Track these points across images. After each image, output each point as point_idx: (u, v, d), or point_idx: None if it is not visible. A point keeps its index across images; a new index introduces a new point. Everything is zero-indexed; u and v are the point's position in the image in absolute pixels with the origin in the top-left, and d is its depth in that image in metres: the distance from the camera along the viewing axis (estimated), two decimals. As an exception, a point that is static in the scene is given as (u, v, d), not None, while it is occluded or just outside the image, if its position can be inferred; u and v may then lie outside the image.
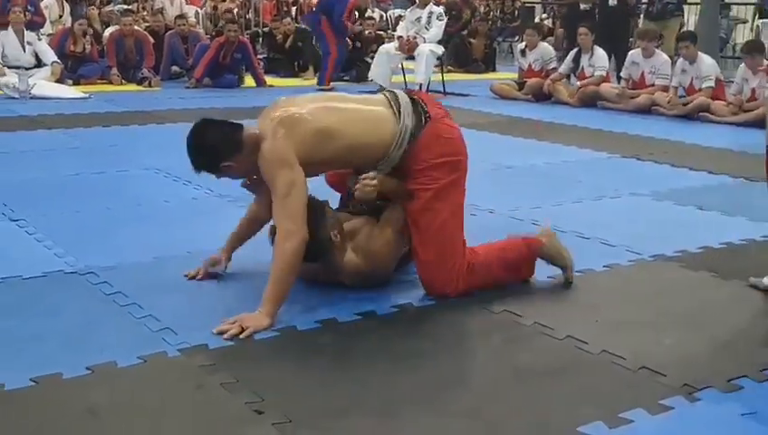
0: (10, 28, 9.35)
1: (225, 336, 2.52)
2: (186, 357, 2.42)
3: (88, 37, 10.33)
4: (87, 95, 8.77)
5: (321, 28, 10.09)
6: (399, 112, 2.90)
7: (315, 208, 2.78)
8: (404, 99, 2.96)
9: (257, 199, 3.10)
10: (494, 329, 2.70)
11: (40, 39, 9.57)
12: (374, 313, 2.80)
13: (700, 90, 7.99)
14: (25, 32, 9.38)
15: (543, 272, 3.21)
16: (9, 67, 9.11)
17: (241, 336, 2.53)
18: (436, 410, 2.15)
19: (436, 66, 9.76)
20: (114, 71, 10.07)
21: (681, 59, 8.24)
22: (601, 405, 2.18)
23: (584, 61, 9.01)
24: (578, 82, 9.03)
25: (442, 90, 9.79)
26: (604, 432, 2.05)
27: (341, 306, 2.82)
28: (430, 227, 2.88)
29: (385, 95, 3.01)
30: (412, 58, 9.56)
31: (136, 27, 10.55)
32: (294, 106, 2.88)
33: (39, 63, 9.44)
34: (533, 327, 2.70)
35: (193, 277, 3.07)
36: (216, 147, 2.82)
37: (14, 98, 8.47)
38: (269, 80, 10.60)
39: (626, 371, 2.39)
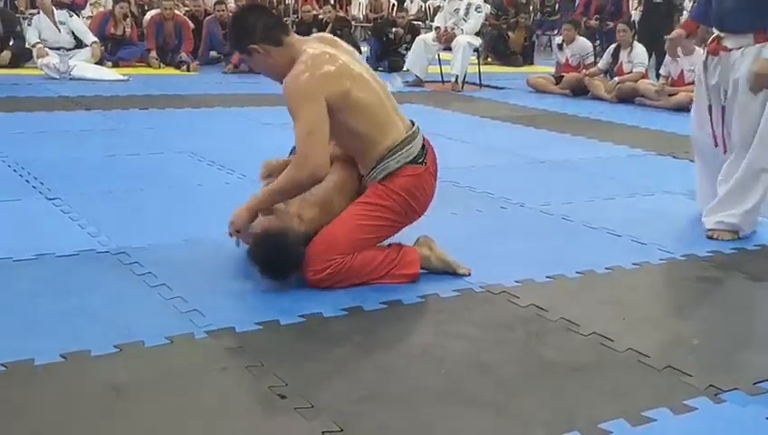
0: (41, 11, 9.47)
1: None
2: (212, 339, 2.45)
3: (128, 20, 10.44)
4: (126, 77, 8.87)
5: None
6: (407, 142, 2.97)
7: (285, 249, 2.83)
8: (420, 135, 3.05)
9: None
10: (519, 323, 2.69)
11: (71, 16, 9.64)
12: (400, 302, 2.81)
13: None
14: (55, 11, 9.48)
15: (570, 267, 3.20)
16: (51, 49, 9.23)
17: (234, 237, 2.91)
18: (458, 400, 2.16)
19: (472, 58, 9.73)
20: (153, 54, 10.18)
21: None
22: (625, 403, 2.17)
23: (623, 56, 8.92)
24: (616, 78, 8.95)
25: (478, 82, 9.75)
26: (626, 430, 2.04)
27: (368, 295, 2.83)
28: (348, 222, 2.90)
29: (413, 123, 3.10)
30: (449, 49, 9.53)
31: (176, 12, 10.64)
32: (345, 59, 2.92)
33: (79, 44, 9.56)
34: (559, 322, 2.69)
35: None
36: (251, 27, 2.88)
37: (54, 78, 8.59)
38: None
39: (651, 369, 2.38)
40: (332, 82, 2.81)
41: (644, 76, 8.83)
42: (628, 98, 8.65)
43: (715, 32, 3.75)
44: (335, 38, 3.13)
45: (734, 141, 3.69)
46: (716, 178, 3.80)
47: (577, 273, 3.17)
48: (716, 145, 3.79)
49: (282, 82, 2.88)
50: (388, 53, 11.15)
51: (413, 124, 3.08)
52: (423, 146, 3.04)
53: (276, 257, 2.82)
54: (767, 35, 3.53)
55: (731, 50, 3.63)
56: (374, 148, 2.93)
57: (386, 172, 2.93)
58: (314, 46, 2.91)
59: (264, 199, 2.91)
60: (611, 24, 10.60)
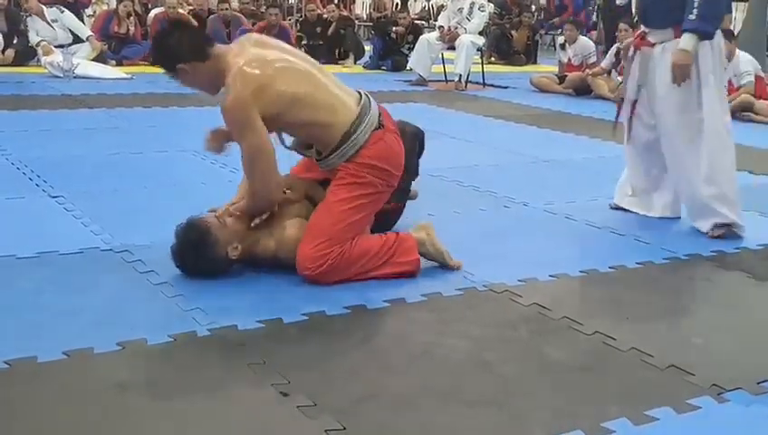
0: (32, 13, 9.47)
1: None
2: (215, 337, 2.45)
3: (132, 19, 10.44)
4: (129, 76, 8.87)
5: None
6: (364, 112, 2.95)
7: (201, 239, 2.86)
8: (374, 106, 3.01)
9: None
10: (522, 321, 2.69)
11: (63, 12, 9.62)
12: (403, 300, 2.81)
13: (739, 87, 7.86)
14: (45, 10, 9.48)
15: (574, 267, 3.20)
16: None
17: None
18: (460, 399, 2.16)
19: (476, 57, 9.72)
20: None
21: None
22: (627, 402, 2.17)
23: (627, 56, 8.91)
24: (619, 78, 8.93)
25: (481, 81, 9.75)
26: (629, 429, 2.04)
27: (370, 293, 2.83)
28: (333, 210, 2.91)
29: (360, 93, 3.04)
30: (453, 48, 9.53)
31: (180, 10, 10.65)
32: (272, 57, 2.88)
33: (77, 39, 9.55)
34: (562, 321, 2.69)
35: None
36: (176, 47, 2.86)
37: (58, 77, 8.60)
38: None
39: (654, 369, 2.37)
40: (262, 96, 2.77)
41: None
42: (631, 97, 8.64)
43: (643, 29, 3.84)
44: (261, 37, 3.12)
45: (664, 133, 3.78)
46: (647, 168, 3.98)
47: (580, 272, 3.17)
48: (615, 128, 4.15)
49: (213, 93, 2.96)
50: (390, 52, 11.16)
51: (361, 94, 3.04)
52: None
53: (193, 248, 2.87)
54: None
55: (653, 45, 3.71)
56: (331, 129, 2.90)
57: (357, 146, 2.91)
58: (240, 53, 2.86)
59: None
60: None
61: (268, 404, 2.08)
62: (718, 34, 3.66)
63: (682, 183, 3.79)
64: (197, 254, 2.86)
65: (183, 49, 2.85)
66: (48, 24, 9.43)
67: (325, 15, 11.79)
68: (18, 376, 2.17)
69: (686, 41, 3.54)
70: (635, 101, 3.89)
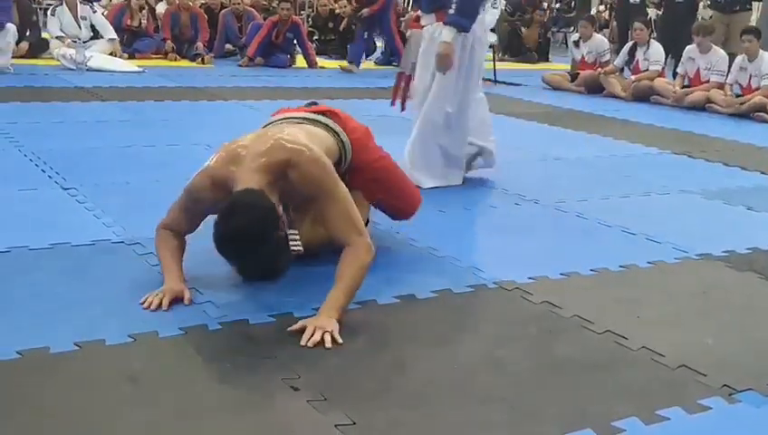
0: (65, 4, 9.50)
1: (310, 344, 2.34)
2: (226, 331, 2.45)
3: (144, 12, 10.47)
4: (141, 69, 8.89)
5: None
6: (337, 133, 3.01)
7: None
8: (329, 120, 3.05)
9: (185, 229, 2.88)
10: (532, 319, 2.69)
11: (95, 12, 9.68)
12: (413, 296, 2.81)
13: (758, 88, 7.82)
14: (79, 6, 9.51)
15: (585, 265, 3.19)
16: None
17: (338, 340, 2.37)
18: (470, 396, 2.16)
19: (487, 54, 9.70)
20: (169, 42, 10.21)
21: (740, 56, 8.07)
22: (638, 401, 2.16)
23: (639, 54, 8.88)
24: (632, 76, 8.91)
25: (493, 78, 9.72)
26: (640, 428, 2.03)
27: (381, 289, 2.83)
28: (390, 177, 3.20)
29: (321, 121, 3.03)
30: (464, 45, 9.51)
31: (191, 3, 10.67)
32: (292, 138, 2.74)
33: (95, 35, 9.58)
34: (573, 320, 2.69)
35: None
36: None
37: (70, 69, 8.63)
38: (319, 61, 10.64)
39: (665, 368, 2.37)
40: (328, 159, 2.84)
41: (660, 75, 8.79)
42: (643, 96, 8.62)
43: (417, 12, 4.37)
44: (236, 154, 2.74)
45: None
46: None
47: (591, 271, 3.16)
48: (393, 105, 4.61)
49: None
50: (400, 50, 11.14)
51: (327, 120, 3.05)
52: (323, 112, 3.12)
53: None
54: (444, 14, 4.01)
55: (423, 27, 4.18)
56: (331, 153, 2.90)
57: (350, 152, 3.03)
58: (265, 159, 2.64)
59: (345, 304, 2.53)
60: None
61: (279, 399, 2.09)
62: (480, 30, 4.13)
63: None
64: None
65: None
66: (76, 19, 9.46)
67: (337, 11, 11.79)
68: (30, 366, 2.17)
69: (447, 33, 3.99)
70: (409, 77, 4.41)
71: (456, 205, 3.99)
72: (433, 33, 4.12)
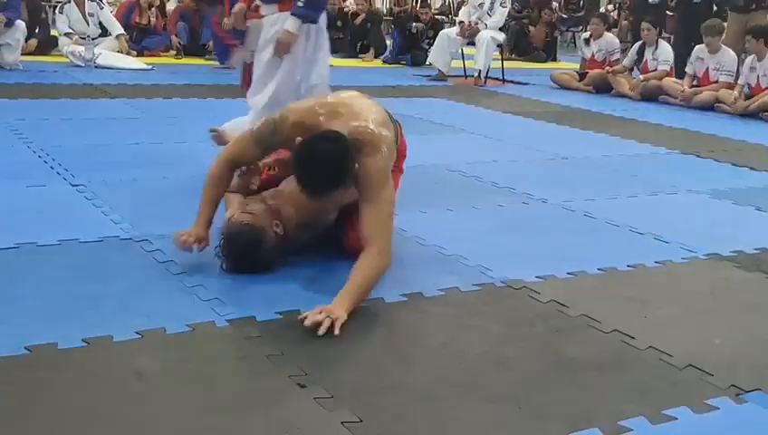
0: (73, 1, 9.52)
1: (308, 323, 2.41)
2: (233, 328, 2.46)
3: (153, 10, 10.49)
4: (150, 66, 8.91)
5: None
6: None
7: (255, 236, 2.83)
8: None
9: (249, 160, 3.07)
10: (539, 318, 2.69)
11: (102, 8, 9.70)
12: (420, 294, 2.81)
13: (767, 88, 7.80)
14: (87, 3, 9.54)
15: (592, 264, 3.19)
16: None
17: (336, 331, 2.41)
18: (477, 394, 2.15)
19: (495, 53, 9.70)
20: (175, 38, 10.24)
21: (750, 56, 8.04)
22: (645, 401, 2.16)
23: (648, 54, 8.86)
24: (640, 76, 8.89)
25: (501, 77, 9.72)
26: (647, 428, 2.03)
27: (388, 287, 2.82)
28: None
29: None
30: (473, 44, 9.51)
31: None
32: (381, 118, 2.96)
33: (104, 33, 9.61)
34: (580, 319, 2.68)
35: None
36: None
37: (79, 66, 8.65)
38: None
39: (672, 368, 2.36)
40: (390, 160, 2.88)
41: (669, 74, 8.77)
42: (652, 96, 8.60)
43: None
44: (337, 99, 3.08)
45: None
46: None
47: (599, 270, 3.16)
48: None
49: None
50: (410, 47, 11.15)
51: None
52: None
53: (249, 254, 2.84)
54: (288, 5, 4.03)
55: (263, 17, 4.17)
56: None
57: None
58: (357, 121, 2.85)
59: (357, 300, 2.59)
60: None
61: (285, 396, 2.09)
62: (323, 21, 4.20)
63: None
64: (257, 251, 2.84)
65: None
66: (84, 16, 9.48)
67: (346, 9, 11.80)
68: (38, 362, 2.18)
69: (292, 23, 4.01)
70: (251, 65, 4.39)
71: (463, 204, 3.99)
72: (275, 24, 4.09)
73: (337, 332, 2.41)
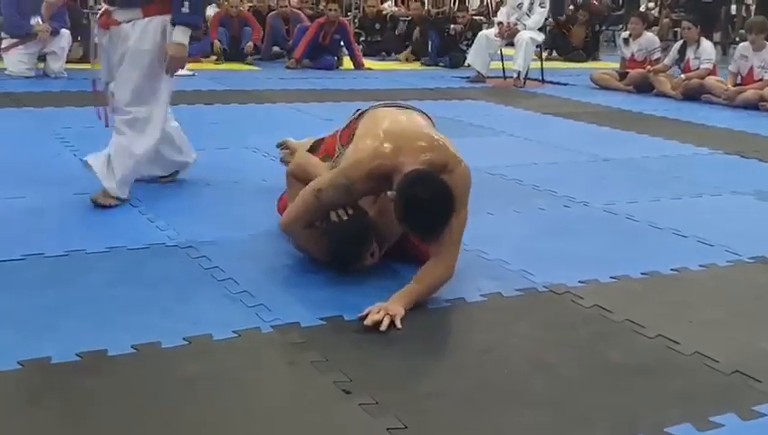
0: None
1: (368, 322, 2.49)
2: (278, 334, 2.49)
3: (194, 16, 10.60)
4: (191, 72, 9.00)
5: None
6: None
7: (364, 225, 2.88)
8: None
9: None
10: (583, 323, 2.68)
11: None
12: (463, 300, 2.82)
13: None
14: None
15: (635, 268, 3.17)
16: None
17: (398, 325, 2.51)
18: (522, 400, 2.16)
19: (535, 54, 9.65)
20: (217, 43, 10.36)
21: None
22: (691, 407, 2.15)
23: (689, 53, 8.76)
24: (682, 75, 8.79)
25: (540, 78, 9.68)
26: (692, 435, 2.02)
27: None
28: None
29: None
30: (511, 45, 9.48)
31: (240, 8, 10.80)
32: (449, 143, 2.93)
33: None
34: (624, 324, 2.67)
35: None
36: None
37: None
38: (366, 62, 10.68)
39: (718, 374, 2.34)
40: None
41: (711, 73, 8.66)
42: (694, 95, 8.50)
43: (104, 5, 3.76)
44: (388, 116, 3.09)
45: (118, 106, 3.79)
46: None
47: (642, 274, 3.14)
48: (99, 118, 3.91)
49: None
50: (449, 49, 11.15)
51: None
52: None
53: (356, 243, 2.87)
54: (156, 8, 3.60)
55: (121, 23, 3.65)
56: None
57: None
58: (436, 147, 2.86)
59: (415, 300, 2.67)
60: None
61: (331, 402, 2.11)
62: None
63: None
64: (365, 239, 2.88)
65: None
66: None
67: (385, 12, 11.84)
68: (89, 368, 2.23)
69: (180, 34, 3.60)
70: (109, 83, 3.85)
71: (504, 207, 3.99)
72: (139, 31, 3.62)
73: (399, 326, 2.50)
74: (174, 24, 3.60)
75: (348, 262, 2.92)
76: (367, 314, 2.53)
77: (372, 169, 2.79)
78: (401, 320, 2.54)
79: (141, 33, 3.62)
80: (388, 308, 2.55)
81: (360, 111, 3.26)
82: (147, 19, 3.62)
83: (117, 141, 3.77)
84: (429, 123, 3.13)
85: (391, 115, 3.09)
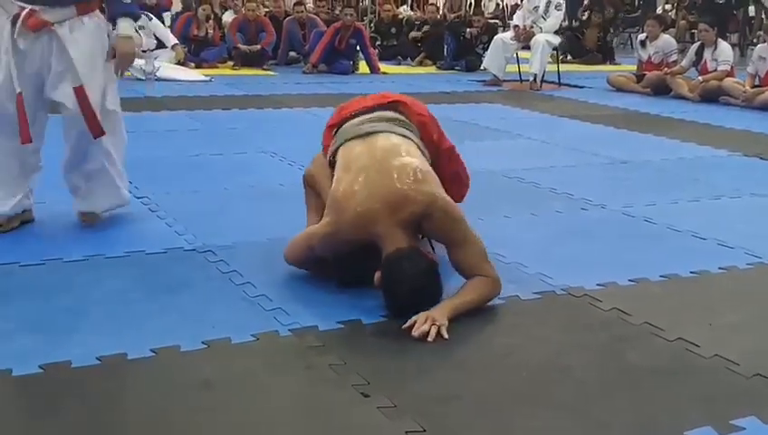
0: None
1: (417, 334, 2.47)
2: (296, 337, 2.49)
3: (211, 22, 10.66)
4: (208, 78, 9.06)
5: None
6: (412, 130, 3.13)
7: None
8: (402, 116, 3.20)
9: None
10: (602, 326, 2.67)
11: (151, 20, 9.85)
12: (481, 304, 2.81)
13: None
14: None
15: (654, 271, 3.15)
16: (135, 52, 9.51)
17: (445, 335, 2.50)
18: (540, 403, 2.15)
19: (551, 56, 9.64)
20: (241, 46, 10.42)
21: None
22: (712, 410, 2.13)
23: (707, 54, 8.71)
24: (700, 77, 8.74)
25: (557, 81, 9.65)
26: (713, 438, 2.01)
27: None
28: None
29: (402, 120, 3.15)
30: (527, 48, 9.47)
31: (257, 13, 10.86)
32: (418, 184, 2.79)
33: (161, 44, 9.80)
34: (643, 327, 2.66)
35: None
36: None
37: (140, 79, 8.83)
38: (382, 67, 10.70)
39: (739, 377, 2.33)
40: None
41: (729, 74, 8.61)
42: (712, 97, 8.45)
43: (20, 5, 3.17)
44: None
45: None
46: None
47: (661, 277, 3.12)
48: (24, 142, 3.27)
49: None
50: (464, 53, 11.15)
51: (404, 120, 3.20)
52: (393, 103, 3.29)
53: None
54: (90, 6, 3.28)
55: (53, 24, 3.19)
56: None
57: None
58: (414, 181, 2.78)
59: (460, 310, 2.66)
60: None
61: (349, 405, 2.11)
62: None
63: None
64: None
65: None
66: (135, 29, 9.67)
67: (401, 16, 11.87)
68: (109, 371, 2.25)
69: (126, 26, 3.32)
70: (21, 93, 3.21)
71: (521, 211, 3.98)
72: (79, 30, 3.25)
73: (446, 336, 2.50)
74: (115, 16, 3.31)
75: (355, 284, 2.88)
76: (413, 325, 2.52)
77: (353, 237, 2.76)
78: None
79: (84, 37, 3.25)
80: (435, 318, 2.53)
81: (335, 130, 3.17)
82: (85, 17, 3.26)
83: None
84: (413, 135, 3.03)
85: (364, 160, 2.87)
